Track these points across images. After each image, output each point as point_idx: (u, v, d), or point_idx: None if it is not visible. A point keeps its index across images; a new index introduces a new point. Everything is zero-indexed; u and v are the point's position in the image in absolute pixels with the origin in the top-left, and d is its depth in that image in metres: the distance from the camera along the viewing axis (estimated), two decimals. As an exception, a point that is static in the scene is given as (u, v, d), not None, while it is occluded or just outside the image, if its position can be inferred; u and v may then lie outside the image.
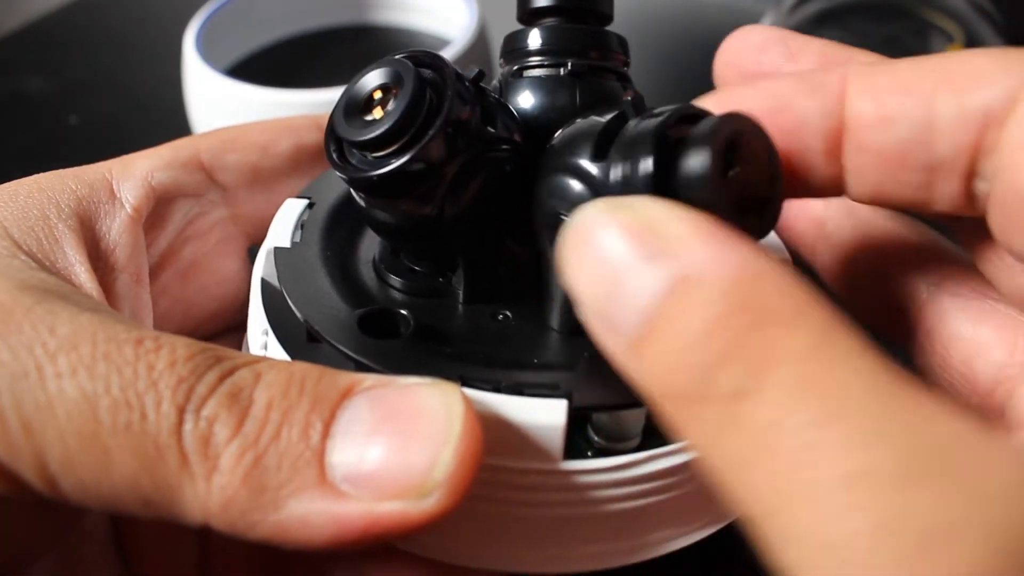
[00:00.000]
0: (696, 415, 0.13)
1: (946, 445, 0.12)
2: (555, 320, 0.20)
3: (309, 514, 0.15)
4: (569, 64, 0.20)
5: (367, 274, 0.22)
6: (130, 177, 0.22)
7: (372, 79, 0.19)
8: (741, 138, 0.16)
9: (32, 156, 0.50)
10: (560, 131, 0.19)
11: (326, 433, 0.15)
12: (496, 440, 0.17)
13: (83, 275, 0.19)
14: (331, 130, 0.19)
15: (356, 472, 0.15)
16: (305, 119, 0.26)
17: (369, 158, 0.18)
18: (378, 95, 0.18)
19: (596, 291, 0.15)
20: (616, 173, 0.17)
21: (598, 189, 0.17)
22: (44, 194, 0.20)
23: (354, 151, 0.19)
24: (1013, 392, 0.19)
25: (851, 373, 0.13)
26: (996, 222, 0.17)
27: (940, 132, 0.16)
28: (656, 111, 0.17)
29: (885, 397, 0.12)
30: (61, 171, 0.22)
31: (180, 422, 0.15)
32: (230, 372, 0.16)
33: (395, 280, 0.21)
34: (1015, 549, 0.11)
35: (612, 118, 0.18)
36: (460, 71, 0.19)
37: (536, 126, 0.20)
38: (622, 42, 0.21)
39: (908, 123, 0.17)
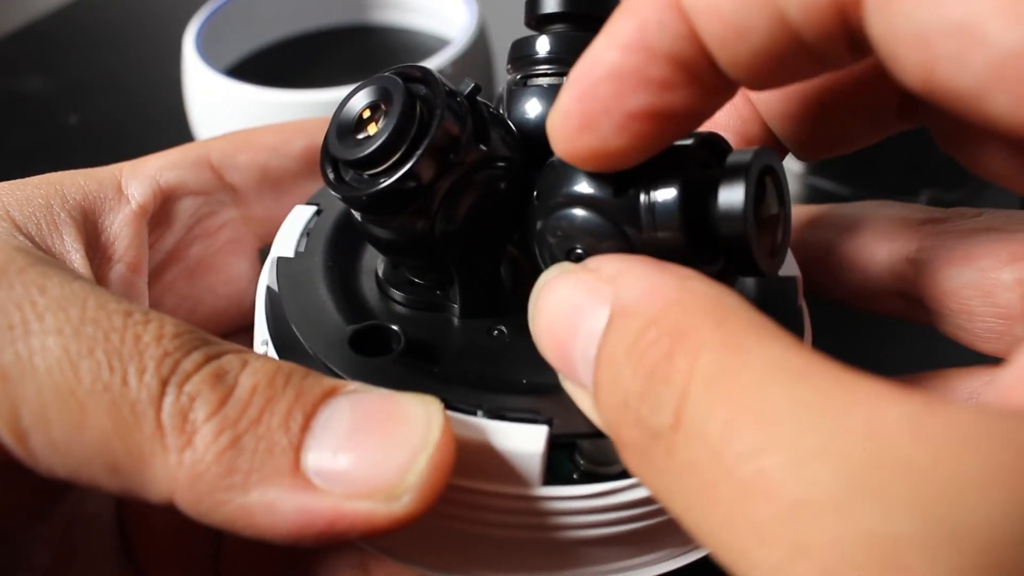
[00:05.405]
0: (645, 458, 0.13)
1: (884, 443, 0.10)
2: None
3: (276, 501, 0.15)
4: None
5: (368, 286, 0.22)
6: (139, 176, 0.23)
7: (361, 97, 0.19)
8: (769, 173, 0.17)
9: (32, 156, 0.50)
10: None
11: (306, 426, 0.15)
12: (476, 464, 0.17)
13: (78, 261, 0.20)
14: (325, 149, 0.19)
15: (330, 468, 0.15)
16: (319, 121, 0.26)
17: (363, 176, 0.18)
18: (368, 113, 0.18)
19: (558, 342, 0.15)
20: (642, 208, 0.16)
21: (619, 221, 0.17)
22: (52, 186, 0.21)
23: (349, 169, 0.19)
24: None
25: (764, 372, 0.12)
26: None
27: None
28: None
29: (795, 384, 0.11)
30: (74, 170, 0.22)
31: (162, 394, 0.15)
32: (217, 355, 0.16)
33: (395, 293, 0.21)
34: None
35: None
36: (453, 87, 0.19)
37: (538, 136, 0.20)
38: None
39: (758, 35, 0.14)
